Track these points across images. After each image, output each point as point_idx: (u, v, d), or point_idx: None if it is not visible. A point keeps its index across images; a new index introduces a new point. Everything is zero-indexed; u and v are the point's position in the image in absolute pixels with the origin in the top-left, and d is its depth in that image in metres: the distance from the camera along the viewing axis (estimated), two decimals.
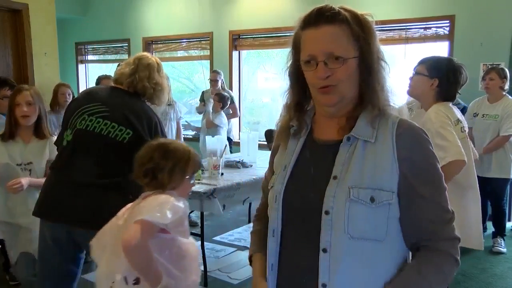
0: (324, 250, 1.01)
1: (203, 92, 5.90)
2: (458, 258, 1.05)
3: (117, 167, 2.04)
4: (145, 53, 2.26)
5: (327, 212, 1.01)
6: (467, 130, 2.37)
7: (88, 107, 2.08)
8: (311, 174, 1.07)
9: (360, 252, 1.00)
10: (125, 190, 1.98)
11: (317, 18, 1.03)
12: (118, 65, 2.29)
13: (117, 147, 2.04)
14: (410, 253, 1.10)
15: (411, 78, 2.35)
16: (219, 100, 5.32)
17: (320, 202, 1.02)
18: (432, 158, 1.06)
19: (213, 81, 5.64)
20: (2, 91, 3.14)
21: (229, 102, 5.48)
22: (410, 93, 2.39)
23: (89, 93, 2.23)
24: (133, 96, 2.16)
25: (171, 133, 4.70)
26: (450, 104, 2.32)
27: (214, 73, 5.74)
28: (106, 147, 2.04)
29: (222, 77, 5.74)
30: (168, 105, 4.63)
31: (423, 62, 2.31)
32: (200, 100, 5.87)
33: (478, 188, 2.34)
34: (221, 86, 5.74)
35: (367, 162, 1.02)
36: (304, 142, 1.13)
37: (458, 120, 2.26)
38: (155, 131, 2.12)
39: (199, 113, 5.74)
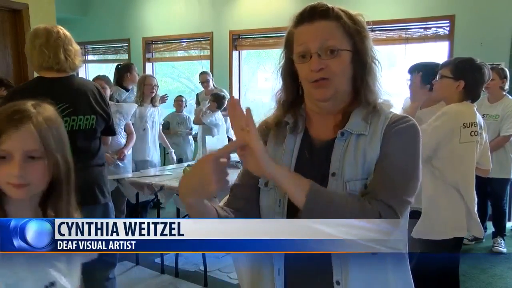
0: None
1: (197, 95, 5.90)
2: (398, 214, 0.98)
3: (94, 148, 2.34)
4: (46, 27, 2.25)
5: None
6: (484, 134, 2.35)
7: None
8: (312, 175, 1.06)
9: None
10: (103, 165, 2.39)
11: (311, 14, 1.05)
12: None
13: (90, 135, 2.31)
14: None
15: (435, 82, 2.37)
16: (214, 100, 5.24)
17: None
18: (409, 143, 1.04)
19: (205, 83, 5.64)
20: None
21: (225, 102, 5.45)
22: (436, 96, 2.41)
23: (41, 94, 2.20)
24: (72, 78, 2.31)
25: (154, 136, 4.47)
26: (473, 106, 2.31)
27: (203, 74, 5.73)
28: (84, 138, 2.28)
29: (212, 76, 5.77)
30: (154, 106, 4.45)
31: (446, 65, 2.34)
32: (196, 103, 5.87)
33: (474, 193, 2.32)
34: (213, 85, 5.76)
35: (359, 154, 1.04)
36: (302, 141, 1.12)
37: (472, 123, 2.24)
38: (100, 97, 2.34)
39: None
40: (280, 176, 0.97)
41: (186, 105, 5.86)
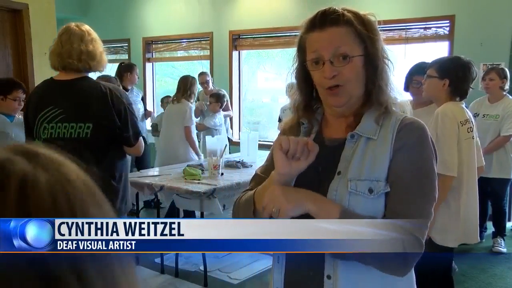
0: None
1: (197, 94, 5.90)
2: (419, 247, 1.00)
3: (93, 159, 2.09)
4: (68, 25, 2.17)
5: None
6: (474, 130, 2.39)
7: (44, 114, 2.09)
8: (319, 172, 1.10)
9: None
10: (113, 177, 2.14)
11: (322, 21, 1.06)
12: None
13: (85, 144, 2.08)
14: None
15: (423, 82, 2.44)
16: (216, 100, 5.21)
17: (325, 196, 1.05)
18: (425, 154, 1.06)
19: (204, 83, 5.63)
20: (14, 93, 3.23)
21: (226, 100, 5.44)
22: (424, 96, 2.48)
23: (40, 96, 2.17)
24: (79, 81, 2.12)
25: None
26: (462, 104, 2.37)
27: (203, 75, 5.71)
28: (75, 148, 2.05)
29: (211, 77, 5.82)
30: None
31: (432, 65, 2.39)
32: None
33: (477, 188, 2.35)
34: (212, 85, 5.77)
35: (367, 156, 1.06)
36: (313, 140, 1.14)
37: (466, 120, 2.30)
38: (107, 103, 2.08)
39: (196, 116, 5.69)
40: (311, 209, 1.00)
41: None
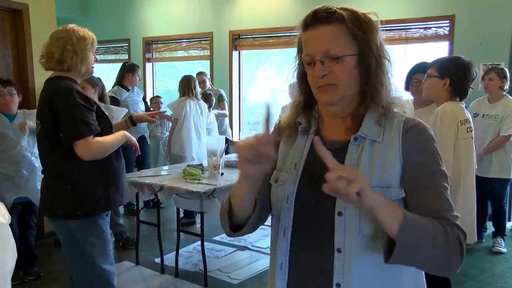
0: (339, 250, 1.01)
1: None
2: (463, 240, 1.00)
3: (42, 156, 2.20)
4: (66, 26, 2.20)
5: (340, 213, 1.01)
6: (473, 130, 2.40)
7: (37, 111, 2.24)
8: (321, 176, 1.04)
9: (374, 251, 0.99)
10: (62, 178, 2.11)
11: (313, 19, 1.05)
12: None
13: (38, 140, 2.21)
14: None
15: (424, 82, 2.45)
16: (204, 100, 5.15)
17: (333, 204, 1.02)
18: (435, 154, 1.06)
19: (201, 83, 5.63)
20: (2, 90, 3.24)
21: (214, 99, 5.43)
22: (424, 96, 2.49)
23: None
24: (49, 81, 2.18)
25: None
26: (462, 104, 2.38)
27: (200, 75, 5.72)
28: (40, 144, 2.20)
29: (208, 76, 5.90)
30: None
31: (432, 65, 2.40)
32: None
33: (475, 188, 2.36)
34: (210, 85, 5.78)
35: (375, 161, 1.03)
36: (313, 141, 1.12)
37: (466, 120, 2.31)
38: (49, 102, 2.06)
39: None
40: (376, 204, 0.92)
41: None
